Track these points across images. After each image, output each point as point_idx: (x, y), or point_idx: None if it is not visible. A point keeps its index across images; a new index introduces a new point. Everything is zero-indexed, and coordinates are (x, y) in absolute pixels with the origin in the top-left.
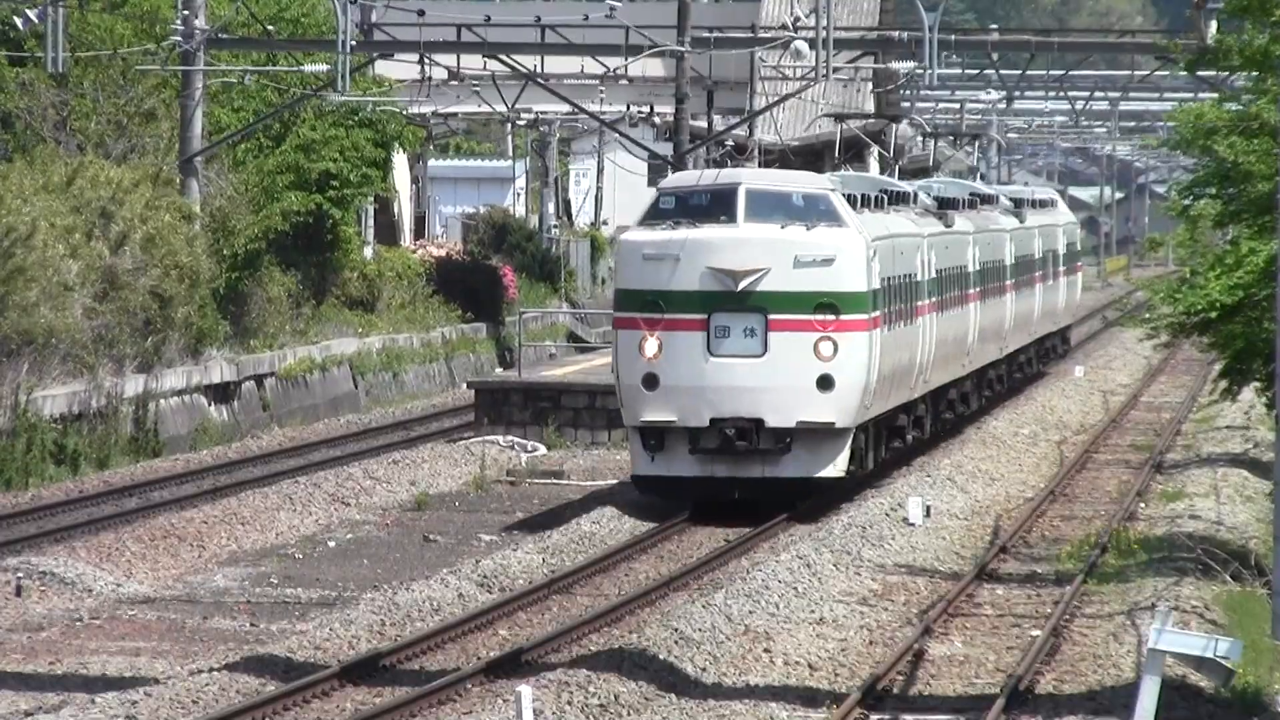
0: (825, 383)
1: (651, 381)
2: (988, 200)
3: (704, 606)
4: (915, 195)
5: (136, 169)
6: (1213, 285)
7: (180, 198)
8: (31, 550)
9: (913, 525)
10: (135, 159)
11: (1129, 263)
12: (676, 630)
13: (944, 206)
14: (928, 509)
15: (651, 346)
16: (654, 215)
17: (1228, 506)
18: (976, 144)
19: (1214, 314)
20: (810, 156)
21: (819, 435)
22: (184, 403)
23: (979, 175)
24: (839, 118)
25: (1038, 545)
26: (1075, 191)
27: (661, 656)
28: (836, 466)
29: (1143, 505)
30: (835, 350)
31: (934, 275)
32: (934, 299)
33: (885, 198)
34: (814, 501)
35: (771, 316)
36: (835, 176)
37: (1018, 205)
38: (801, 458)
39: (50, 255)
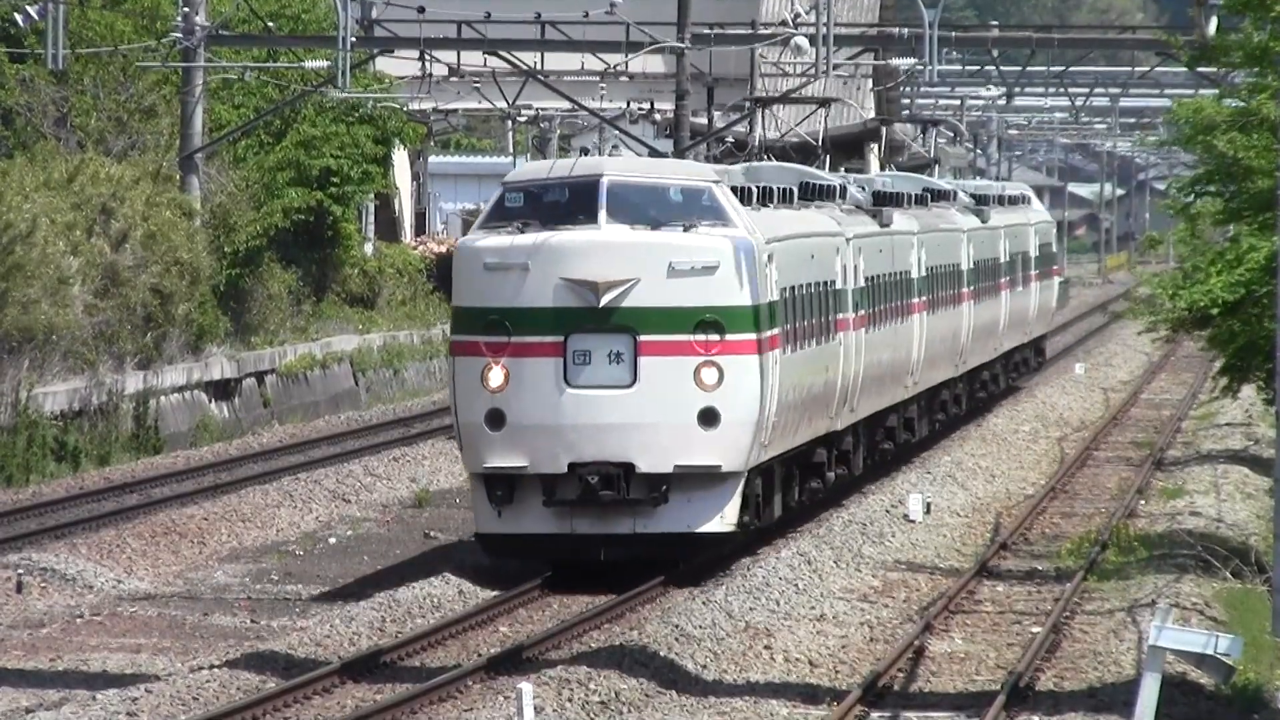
0: (708, 418)
1: (496, 419)
2: (942, 196)
3: (704, 603)
4: (843, 189)
5: (137, 166)
6: (1214, 282)
7: (181, 194)
8: (32, 547)
9: (913, 522)
10: (136, 156)
11: (1130, 259)
12: (677, 627)
13: (883, 202)
14: (928, 506)
15: (496, 376)
16: (498, 215)
17: (1228, 503)
18: (958, 138)
19: (1215, 311)
20: (809, 153)
21: (702, 482)
22: (184, 399)
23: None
24: (823, 102)
25: (1038, 542)
26: (1075, 188)
27: (662, 653)
28: (724, 519)
29: (1143, 502)
30: (720, 377)
31: (863, 283)
32: (863, 311)
33: (796, 192)
34: (708, 557)
35: (642, 338)
36: (741, 167)
37: (980, 202)
38: (681, 509)
39: (51, 252)
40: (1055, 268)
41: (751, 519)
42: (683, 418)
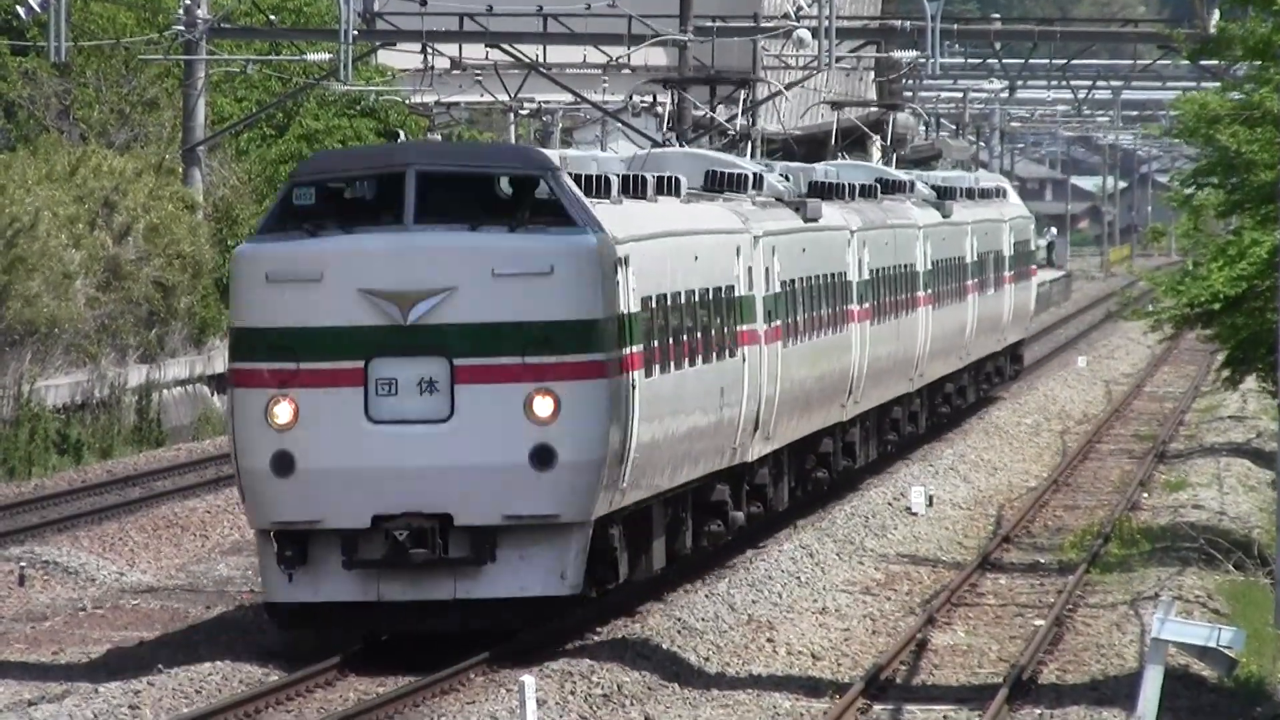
0: (542, 457)
1: (284, 464)
2: (896, 187)
3: (707, 596)
4: (759, 180)
5: (139, 158)
6: (1215, 276)
7: (183, 187)
8: (35, 540)
9: (915, 515)
10: (138, 148)
11: (1132, 252)
12: (679, 620)
13: (820, 194)
14: (930, 498)
15: (283, 412)
16: (285, 215)
17: (1230, 496)
18: (946, 127)
19: (1217, 305)
20: (813, 146)
21: (537, 535)
22: (187, 392)
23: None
24: (836, 105)
25: (1040, 535)
26: (1078, 180)
27: (664, 646)
28: (565, 580)
29: (1145, 495)
30: (557, 408)
31: (778, 288)
32: (775, 323)
33: (683, 183)
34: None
35: (460, 362)
36: (630, 155)
37: (944, 195)
38: (512, 569)
39: (53, 245)
40: (1033, 267)
41: (606, 577)
42: (511, 458)
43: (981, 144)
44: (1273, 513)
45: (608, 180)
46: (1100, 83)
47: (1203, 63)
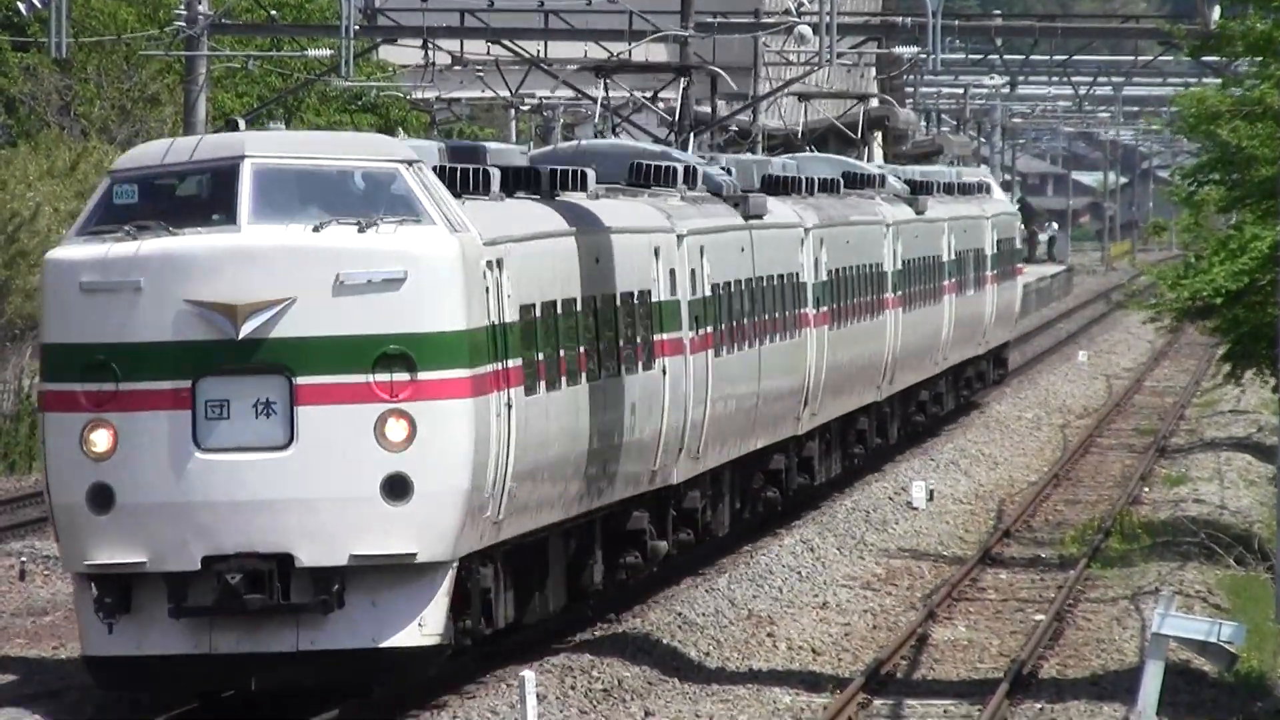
0: (396, 488)
1: (102, 498)
2: (863, 182)
3: (707, 591)
4: (691, 174)
5: None
6: (1216, 271)
7: None
8: (35, 534)
9: (916, 509)
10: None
11: (1133, 247)
12: (680, 615)
13: (774, 189)
14: (931, 493)
15: (100, 439)
16: (104, 216)
17: (1231, 491)
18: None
19: (1218, 299)
20: (813, 141)
21: (391, 577)
22: None
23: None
24: (803, 96)
25: (1041, 529)
26: (1079, 176)
27: (665, 641)
28: (425, 629)
29: (1146, 489)
30: (412, 432)
31: (708, 291)
32: (705, 330)
33: (575, 178)
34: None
35: (301, 381)
36: (550, 149)
37: (919, 190)
38: (362, 617)
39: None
40: (1018, 266)
41: (477, 625)
42: (360, 489)
43: (983, 140)
44: (1273, 507)
45: (486, 175)
46: (1101, 79)
47: (1204, 59)
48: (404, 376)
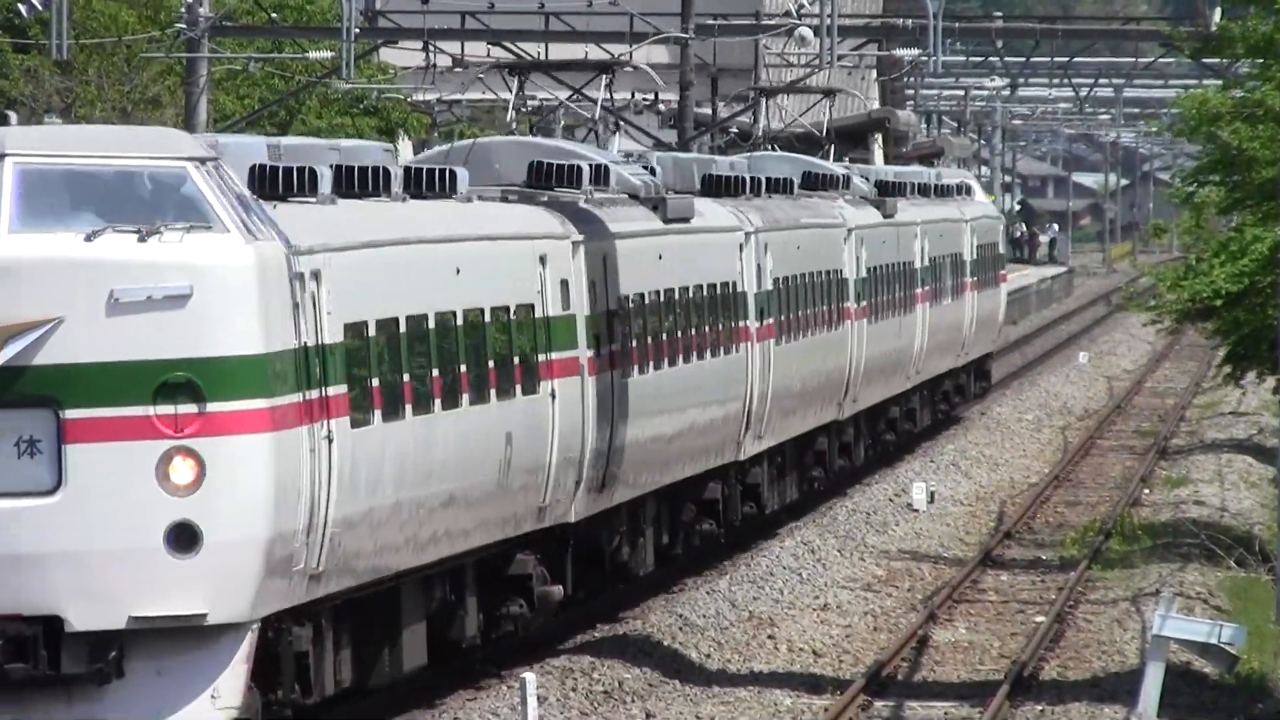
0: (184, 537)
1: None
2: (825, 182)
3: (708, 593)
4: (602, 172)
5: None
6: (1216, 272)
7: None
8: None
9: (917, 511)
10: None
11: (1134, 249)
12: (681, 616)
13: (715, 190)
14: (932, 494)
15: None
16: None
17: (1232, 492)
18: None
19: (1218, 301)
20: (814, 144)
21: (178, 642)
22: None
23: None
24: (766, 92)
25: (1042, 531)
26: (1080, 178)
27: (666, 643)
28: (220, 700)
29: (1147, 491)
30: (200, 472)
31: (612, 306)
32: (611, 348)
33: (444, 178)
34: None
35: (70, 415)
36: (445, 149)
37: (888, 191)
38: (146, 687)
39: None
40: (1002, 273)
41: (290, 694)
42: (141, 540)
43: (983, 141)
44: (1274, 509)
45: (314, 175)
46: (1102, 80)
47: (1204, 60)
48: (191, 408)
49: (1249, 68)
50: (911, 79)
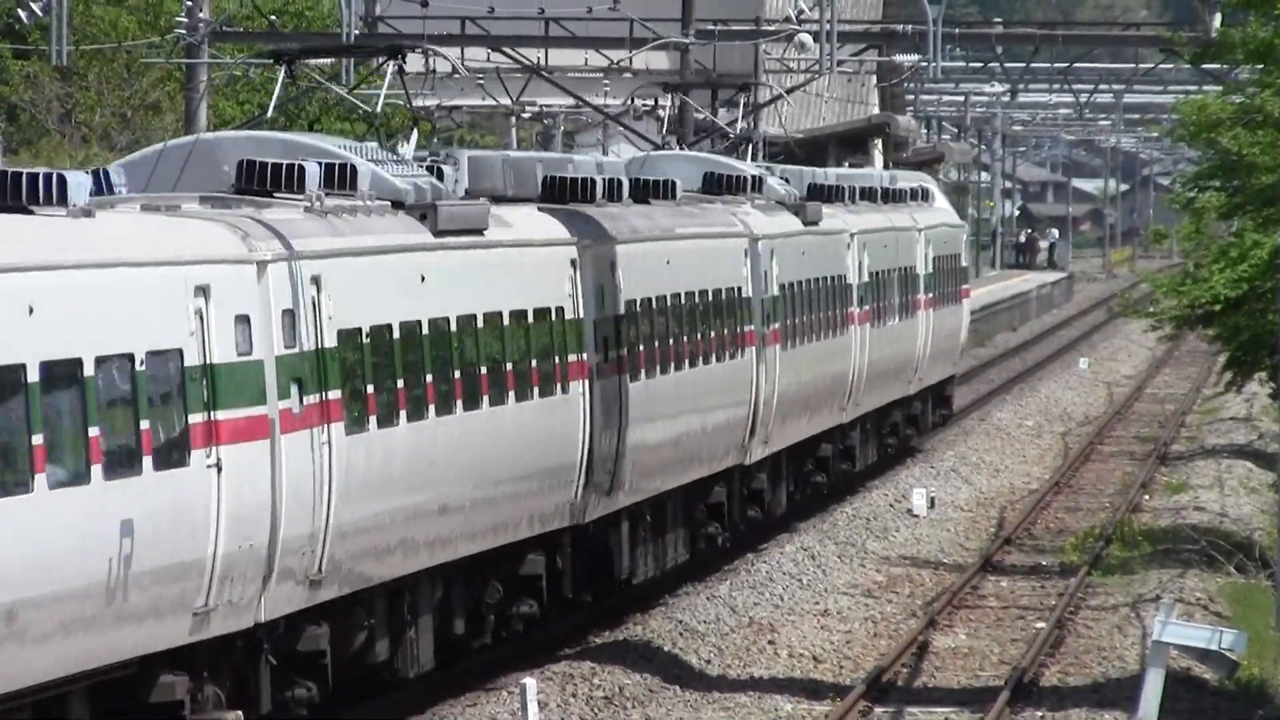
0: None
1: None
2: (729, 185)
3: (708, 598)
4: (345, 174)
5: None
6: (1216, 278)
7: None
8: None
9: (917, 517)
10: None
11: (1134, 254)
12: (681, 622)
13: (558, 194)
14: (932, 500)
15: None
16: None
17: (1232, 498)
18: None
19: (1218, 306)
20: (814, 149)
21: None
22: None
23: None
24: (670, 87)
25: (1042, 537)
26: (1080, 183)
27: (666, 648)
28: None
29: (1147, 497)
30: None
31: (365, 341)
32: (370, 391)
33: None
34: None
35: None
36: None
37: (818, 196)
38: None
39: None
40: (965, 287)
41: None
42: None
43: (983, 147)
44: (1274, 515)
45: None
46: (1102, 86)
47: (1204, 66)
48: None
49: (1249, 73)
50: (911, 84)
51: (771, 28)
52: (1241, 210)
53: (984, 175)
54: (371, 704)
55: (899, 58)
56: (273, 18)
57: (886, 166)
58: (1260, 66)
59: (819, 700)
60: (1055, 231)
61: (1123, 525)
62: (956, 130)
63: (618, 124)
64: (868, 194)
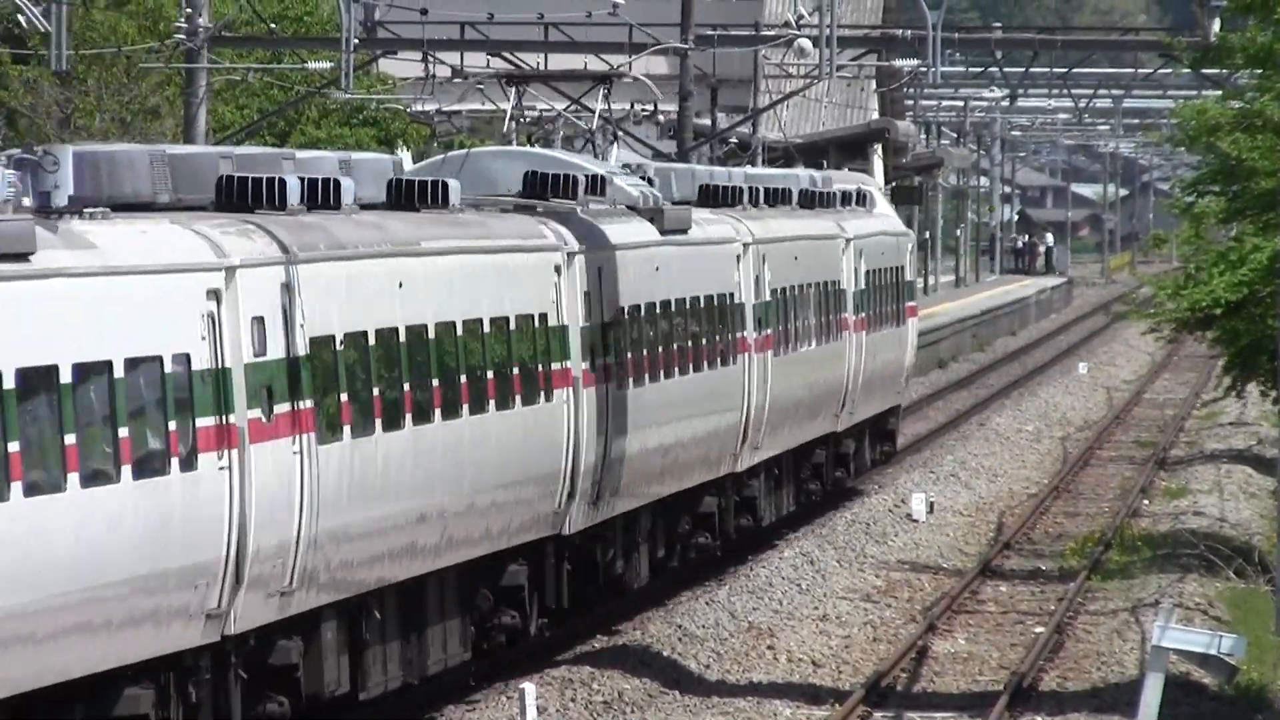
0: None
1: None
2: (558, 187)
3: (707, 603)
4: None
5: None
6: (1216, 282)
7: None
8: None
9: (916, 521)
10: None
11: (1133, 259)
12: (680, 627)
13: (222, 203)
14: (931, 505)
15: None
16: None
17: (1231, 503)
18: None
19: (1218, 310)
20: (814, 154)
21: None
22: None
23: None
24: (599, 78)
25: (1041, 542)
26: (1079, 188)
27: (665, 653)
28: None
29: (1146, 502)
30: None
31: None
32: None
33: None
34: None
35: None
36: None
37: (710, 200)
38: None
39: None
40: (910, 305)
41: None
42: None
43: (983, 152)
44: (1274, 519)
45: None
46: (1101, 91)
47: (1204, 71)
48: None
49: (1248, 78)
50: (911, 90)
51: (771, 33)
52: (1241, 215)
53: (983, 180)
54: (370, 708)
55: (898, 63)
56: (272, 24)
57: (886, 171)
58: (1259, 71)
59: (818, 705)
60: (1050, 236)
61: (1122, 530)
62: (956, 135)
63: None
64: (778, 197)
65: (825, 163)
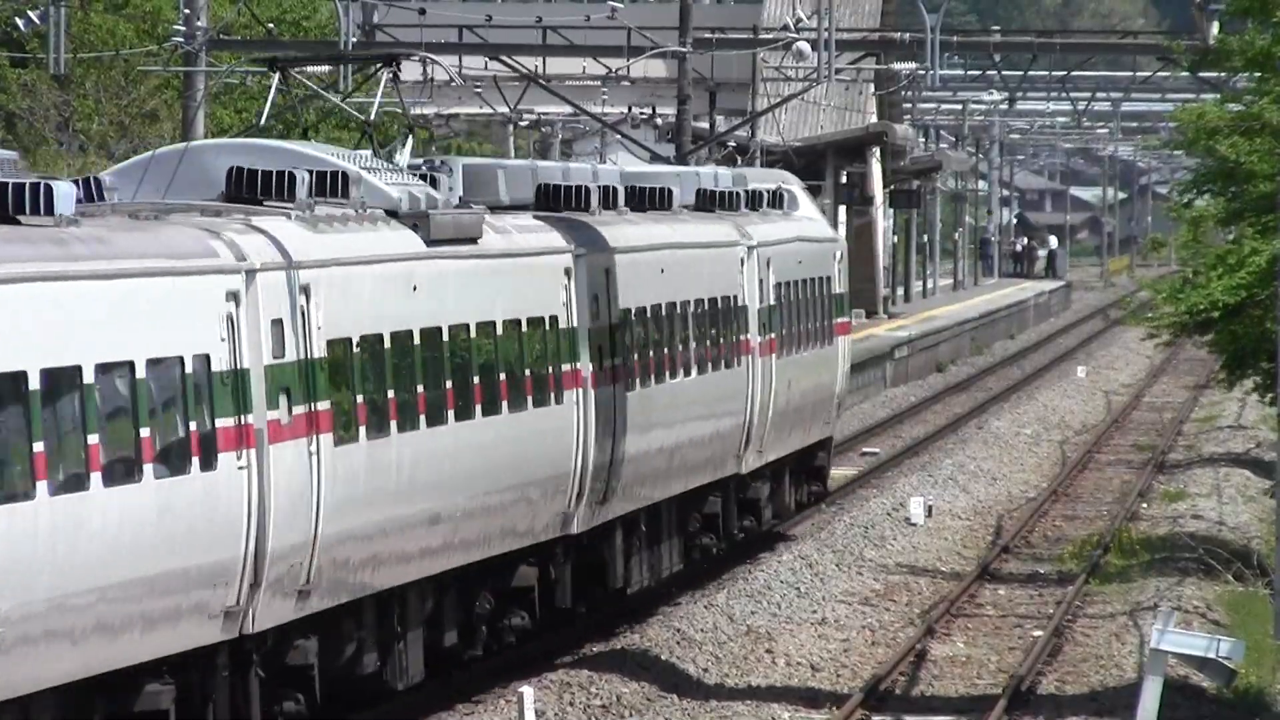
0: None
1: None
2: (269, 188)
3: (706, 607)
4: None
5: None
6: (1215, 285)
7: None
8: None
9: (915, 525)
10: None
11: (1131, 263)
12: (678, 630)
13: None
14: (929, 509)
15: None
16: None
17: (1230, 506)
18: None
19: (1216, 314)
20: (813, 157)
21: None
22: None
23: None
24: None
25: (1040, 545)
26: (1078, 191)
27: (663, 657)
28: None
29: (1145, 505)
30: None
31: None
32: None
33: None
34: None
35: None
36: None
37: (549, 203)
38: None
39: None
40: (841, 321)
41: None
42: None
43: (981, 155)
44: (1272, 523)
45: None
46: (1100, 94)
47: (1202, 74)
48: None
49: (1247, 81)
50: (909, 93)
51: (769, 36)
52: (1240, 218)
53: (982, 184)
54: (368, 713)
55: (897, 66)
56: (270, 26)
57: (885, 175)
58: (1258, 74)
59: (817, 709)
60: (1053, 239)
61: (1120, 533)
62: (954, 138)
63: (616, 132)
64: (656, 198)
65: (824, 165)
